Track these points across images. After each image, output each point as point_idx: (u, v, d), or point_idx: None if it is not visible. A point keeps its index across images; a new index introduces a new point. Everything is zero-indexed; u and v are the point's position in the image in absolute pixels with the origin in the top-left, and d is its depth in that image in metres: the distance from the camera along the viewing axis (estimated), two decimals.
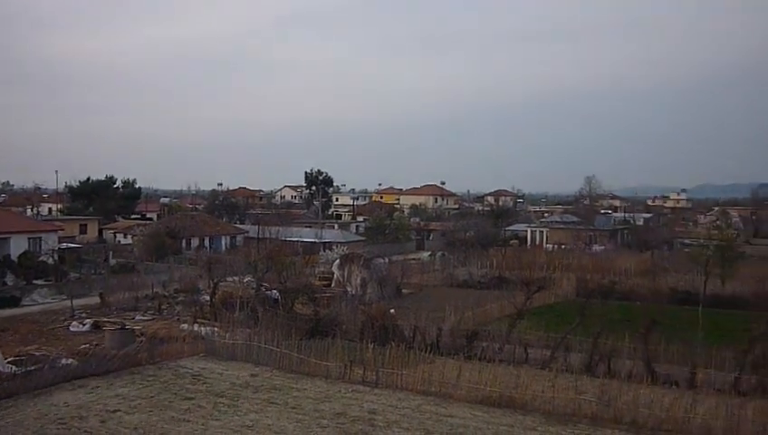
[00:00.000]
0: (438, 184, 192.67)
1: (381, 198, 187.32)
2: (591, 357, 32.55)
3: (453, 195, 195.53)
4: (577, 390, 27.99)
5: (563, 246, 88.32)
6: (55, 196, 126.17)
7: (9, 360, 32.51)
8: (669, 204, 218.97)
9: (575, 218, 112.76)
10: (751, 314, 40.02)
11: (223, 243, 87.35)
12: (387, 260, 63.31)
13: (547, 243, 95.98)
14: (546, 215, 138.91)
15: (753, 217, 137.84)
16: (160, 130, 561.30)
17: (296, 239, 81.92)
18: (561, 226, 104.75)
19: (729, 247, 58.50)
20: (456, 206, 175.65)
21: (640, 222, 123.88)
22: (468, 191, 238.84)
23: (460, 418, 26.59)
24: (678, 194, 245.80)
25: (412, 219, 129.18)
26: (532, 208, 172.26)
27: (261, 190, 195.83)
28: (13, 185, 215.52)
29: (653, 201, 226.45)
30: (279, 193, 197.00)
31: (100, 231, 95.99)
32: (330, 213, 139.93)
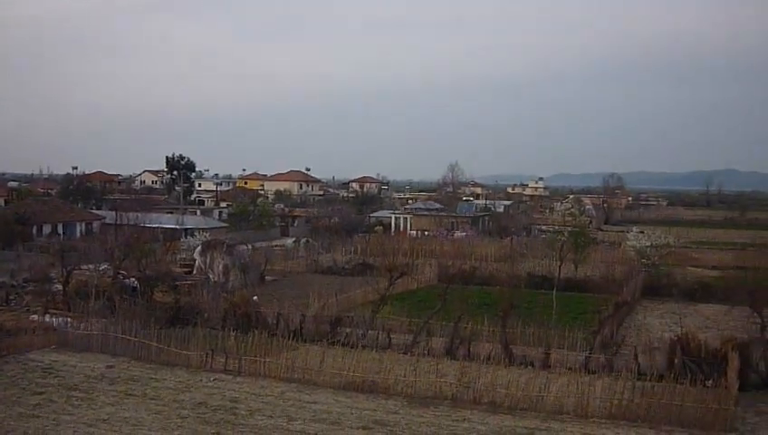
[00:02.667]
0: (303, 170, 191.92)
1: (245, 184, 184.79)
2: (452, 341, 33.30)
3: (318, 181, 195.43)
4: (438, 373, 28.57)
5: (426, 233, 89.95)
6: None
7: None
8: (528, 191, 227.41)
9: (438, 205, 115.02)
10: (600, 297, 42.13)
11: (77, 229, 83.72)
12: (250, 247, 62.45)
13: (411, 229, 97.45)
14: (410, 202, 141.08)
15: (605, 205, 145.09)
16: (7, 110, 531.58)
17: (156, 226, 79.62)
18: (425, 212, 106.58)
19: (582, 234, 61.21)
20: (321, 192, 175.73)
21: (500, 209, 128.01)
22: (333, 178, 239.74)
23: (323, 404, 26.61)
24: (536, 182, 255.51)
25: (276, 205, 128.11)
26: (396, 195, 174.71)
27: (119, 175, 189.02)
28: None
29: (513, 189, 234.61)
30: (139, 178, 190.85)
31: None
32: (192, 199, 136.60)
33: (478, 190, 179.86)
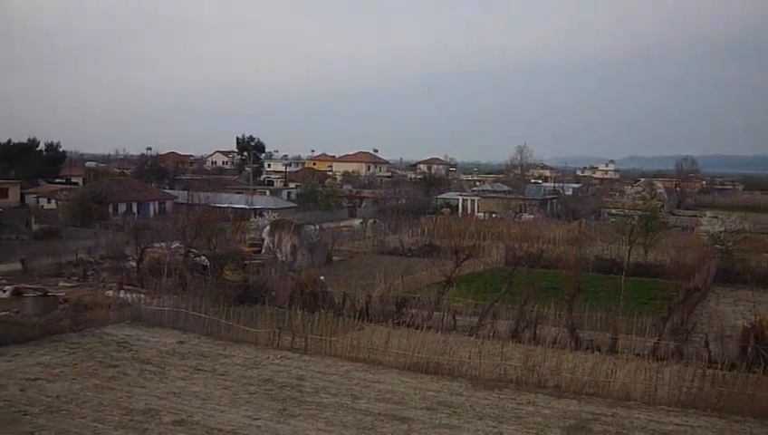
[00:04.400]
0: (371, 152, 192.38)
1: (314, 164, 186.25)
2: (518, 324, 33.13)
3: (385, 163, 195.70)
4: (503, 356, 28.51)
5: (494, 215, 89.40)
6: None
7: None
8: (598, 175, 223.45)
9: (506, 187, 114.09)
10: (671, 283, 41.31)
11: (151, 208, 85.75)
12: (318, 227, 63.04)
13: (478, 211, 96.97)
14: (478, 184, 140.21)
15: (677, 189, 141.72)
16: (87, 92, 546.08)
17: (226, 205, 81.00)
18: (492, 194, 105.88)
19: (653, 218, 60.03)
20: (389, 174, 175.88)
21: (569, 192, 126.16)
22: (401, 159, 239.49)
23: (388, 384, 26.85)
24: (607, 165, 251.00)
25: (344, 187, 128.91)
26: (464, 177, 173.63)
27: (192, 155, 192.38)
28: None
29: (582, 172, 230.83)
30: (210, 158, 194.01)
31: (22, 195, 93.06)
32: (261, 179, 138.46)
33: (547, 173, 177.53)
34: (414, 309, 36.09)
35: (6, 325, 32.51)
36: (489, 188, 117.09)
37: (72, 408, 23.13)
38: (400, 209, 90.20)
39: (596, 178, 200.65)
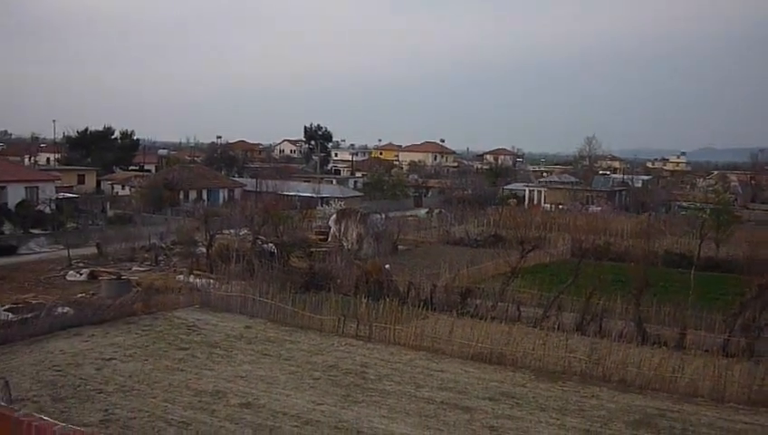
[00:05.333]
0: (438, 141, 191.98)
1: (381, 154, 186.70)
2: (583, 316, 32.85)
3: (452, 153, 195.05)
4: (567, 348, 28.35)
5: (561, 206, 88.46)
6: (53, 146, 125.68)
7: (6, 308, 32.76)
8: (669, 167, 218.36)
9: (574, 179, 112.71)
10: (743, 278, 40.29)
11: (221, 196, 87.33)
12: (384, 216, 63.37)
13: (545, 203, 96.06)
14: (545, 174, 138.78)
15: (752, 182, 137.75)
16: (159, 82, 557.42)
17: (294, 193, 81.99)
18: (560, 186, 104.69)
19: (725, 211, 58.62)
20: (455, 164, 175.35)
21: (639, 184, 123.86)
22: (468, 149, 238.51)
23: (451, 373, 26.97)
24: (678, 157, 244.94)
25: (410, 176, 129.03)
26: (531, 168, 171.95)
27: (260, 144, 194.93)
28: (11, 134, 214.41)
29: (653, 164, 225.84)
30: (278, 147, 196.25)
31: (98, 182, 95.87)
32: (328, 168, 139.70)
33: (616, 164, 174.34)
34: (478, 299, 36.09)
35: (83, 307, 33.71)
36: (556, 179, 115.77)
37: (143, 388, 23.89)
38: (466, 200, 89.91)
39: (666, 171, 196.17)
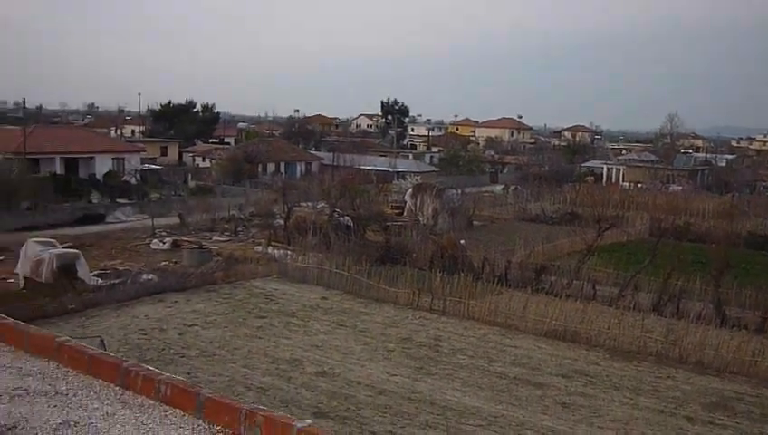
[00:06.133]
0: (515, 117, 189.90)
1: (457, 129, 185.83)
2: (660, 297, 32.44)
3: (529, 129, 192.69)
4: (643, 328, 28.12)
5: (640, 185, 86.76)
6: (138, 118, 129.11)
7: (95, 273, 34.17)
8: (755, 146, 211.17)
9: (654, 157, 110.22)
10: None
11: (298, 169, 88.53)
12: (459, 191, 63.34)
13: (623, 181, 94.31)
14: (624, 152, 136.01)
15: None
16: (240, 56, 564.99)
17: (370, 168, 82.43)
18: (639, 164, 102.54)
19: None
20: (532, 140, 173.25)
21: (722, 163, 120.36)
22: (545, 126, 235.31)
23: (524, 349, 27.09)
24: (766, 136, 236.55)
25: (487, 152, 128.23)
26: (609, 145, 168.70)
27: (337, 118, 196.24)
28: (98, 107, 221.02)
29: (738, 142, 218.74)
30: (355, 121, 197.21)
31: (180, 154, 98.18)
32: (405, 143, 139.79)
33: (699, 143, 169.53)
34: (553, 277, 35.95)
35: (166, 274, 34.92)
36: (636, 157, 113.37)
37: (223, 353, 24.74)
38: (543, 176, 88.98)
39: (752, 150, 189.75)
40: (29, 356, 5.72)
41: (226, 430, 4.62)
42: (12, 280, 33.19)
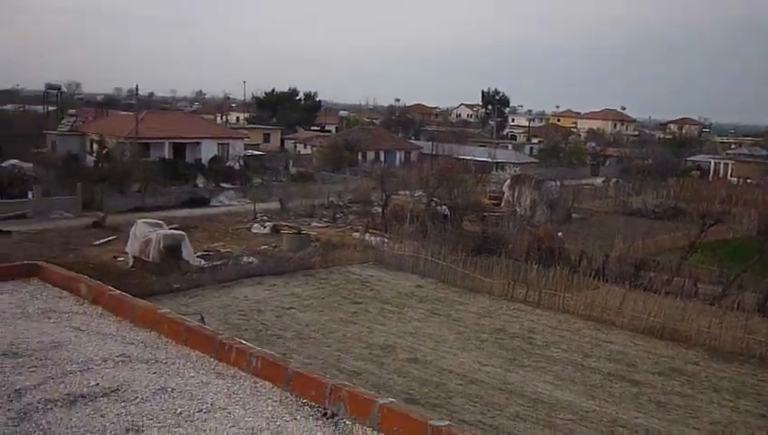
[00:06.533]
0: (619, 109, 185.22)
1: (558, 120, 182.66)
2: (767, 297, 31.21)
3: (633, 121, 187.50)
4: (746, 329, 27.16)
5: (749, 181, 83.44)
6: (242, 105, 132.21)
7: (198, 254, 35.40)
8: None
9: (765, 152, 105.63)
10: None
11: (397, 157, 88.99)
12: (558, 183, 62.42)
13: (731, 176, 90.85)
14: (733, 147, 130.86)
15: None
16: (341, 45, 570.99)
17: (469, 157, 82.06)
18: (749, 159, 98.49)
19: None
20: (636, 132, 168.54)
21: None
22: (650, 118, 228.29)
23: (620, 345, 26.62)
24: None
25: (588, 144, 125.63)
26: (718, 139, 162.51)
27: (437, 107, 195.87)
28: (205, 94, 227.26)
29: None
30: (455, 111, 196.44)
31: (282, 141, 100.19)
32: (504, 133, 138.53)
33: None
34: (653, 272, 35.07)
35: (266, 258, 35.86)
36: (746, 151, 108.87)
37: (318, 336, 25.29)
38: (646, 170, 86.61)
39: None
40: (133, 326, 6.12)
41: (312, 403, 4.84)
42: (122, 259, 34.76)
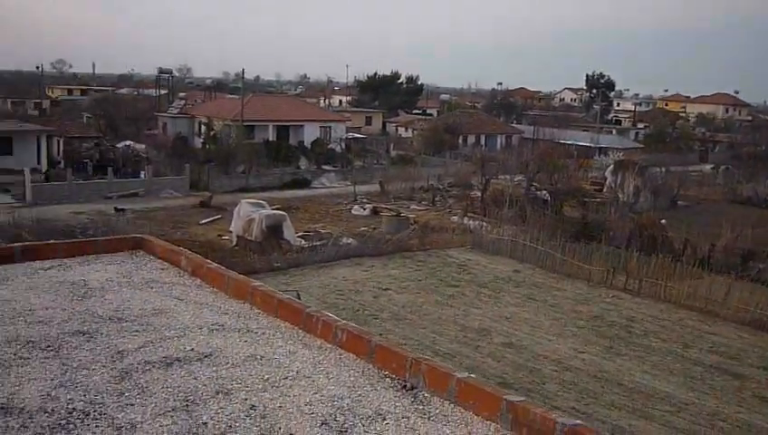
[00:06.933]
0: (731, 93, 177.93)
1: (666, 105, 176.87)
2: None
3: (746, 105, 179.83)
4: None
5: None
6: (345, 89, 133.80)
7: (299, 235, 36.20)
8: None
9: None
10: None
11: (498, 142, 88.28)
12: (663, 170, 60.65)
13: None
14: None
15: None
16: (443, 28, 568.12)
17: (571, 142, 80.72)
18: None
19: None
20: (750, 117, 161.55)
21: None
22: (765, 102, 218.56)
23: (724, 337, 25.84)
24: None
25: (697, 129, 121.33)
26: None
27: (540, 91, 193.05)
28: (309, 78, 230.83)
29: None
30: (558, 95, 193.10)
31: (384, 124, 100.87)
32: (609, 118, 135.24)
33: None
34: (762, 263, 33.80)
35: (365, 239, 36.35)
36: None
37: (414, 318, 25.53)
38: (758, 156, 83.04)
39: None
40: (228, 297, 6.44)
41: (393, 376, 5.01)
42: (226, 237, 35.90)
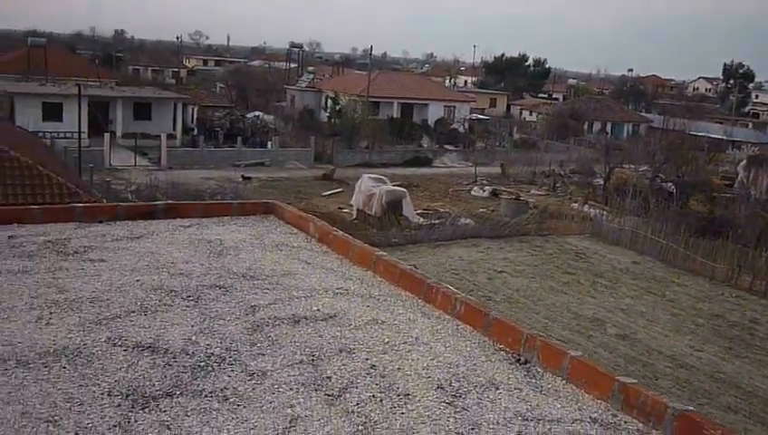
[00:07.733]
0: None
1: None
2: None
3: None
4: None
5: None
6: (471, 69, 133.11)
7: (418, 212, 36.61)
8: None
9: None
10: None
11: (624, 130, 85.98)
12: None
13: None
14: None
15: None
16: (573, 11, 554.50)
17: (702, 134, 77.64)
18: None
19: None
20: None
21: None
22: None
23: None
24: None
25: None
26: None
27: (672, 80, 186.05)
28: (436, 57, 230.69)
29: None
30: (692, 84, 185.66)
31: (508, 106, 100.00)
32: (746, 111, 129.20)
33: None
34: None
35: (482, 221, 36.37)
36: None
37: (527, 302, 25.46)
38: None
39: None
40: (352, 264, 6.75)
41: (507, 349, 5.19)
42: (347, 210, 36.71)
